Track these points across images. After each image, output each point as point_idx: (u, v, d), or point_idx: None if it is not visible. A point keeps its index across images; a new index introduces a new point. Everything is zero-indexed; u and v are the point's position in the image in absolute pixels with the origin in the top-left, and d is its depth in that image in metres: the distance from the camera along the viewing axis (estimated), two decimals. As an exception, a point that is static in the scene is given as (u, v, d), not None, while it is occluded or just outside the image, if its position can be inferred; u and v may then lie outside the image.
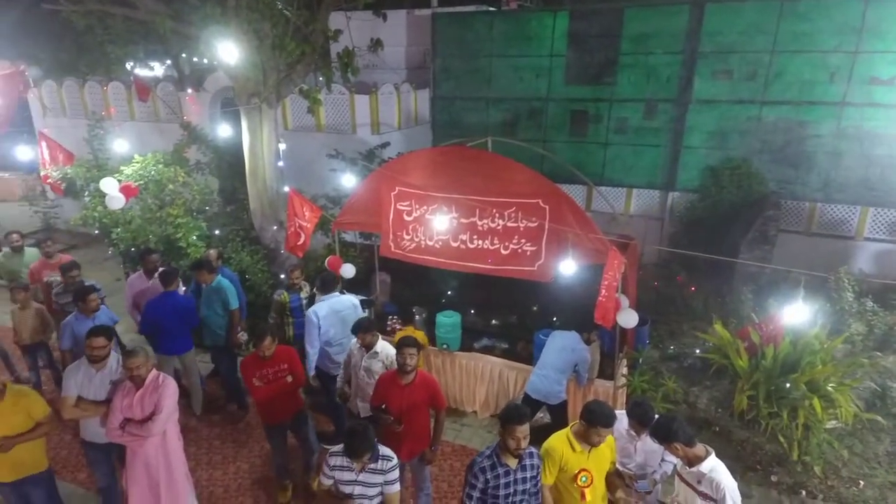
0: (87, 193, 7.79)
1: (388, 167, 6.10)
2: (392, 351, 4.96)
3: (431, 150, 6.11)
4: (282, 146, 7.85)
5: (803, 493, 5.19)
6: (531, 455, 3.38)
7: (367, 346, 4.75)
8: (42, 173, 8.90)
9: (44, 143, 8.66)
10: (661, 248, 8.55)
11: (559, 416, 5.31)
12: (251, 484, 5.36)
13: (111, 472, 4.61)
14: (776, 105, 8.94)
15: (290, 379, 4.67)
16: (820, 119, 8.73)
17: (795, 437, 5.44)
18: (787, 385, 5.63)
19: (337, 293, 5.60)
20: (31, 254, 6.98)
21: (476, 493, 3.27)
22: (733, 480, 3.29)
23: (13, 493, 4.18)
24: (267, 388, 4.60)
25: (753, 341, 6.06)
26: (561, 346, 5.35)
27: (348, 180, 7.02)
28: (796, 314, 4.99)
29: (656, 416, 3.68)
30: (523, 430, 3.17)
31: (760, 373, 5.80)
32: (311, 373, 5.30)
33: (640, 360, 5.92)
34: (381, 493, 3.47)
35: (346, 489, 3.42)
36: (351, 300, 5.65)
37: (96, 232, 7.89)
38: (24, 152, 9.58)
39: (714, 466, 3.28)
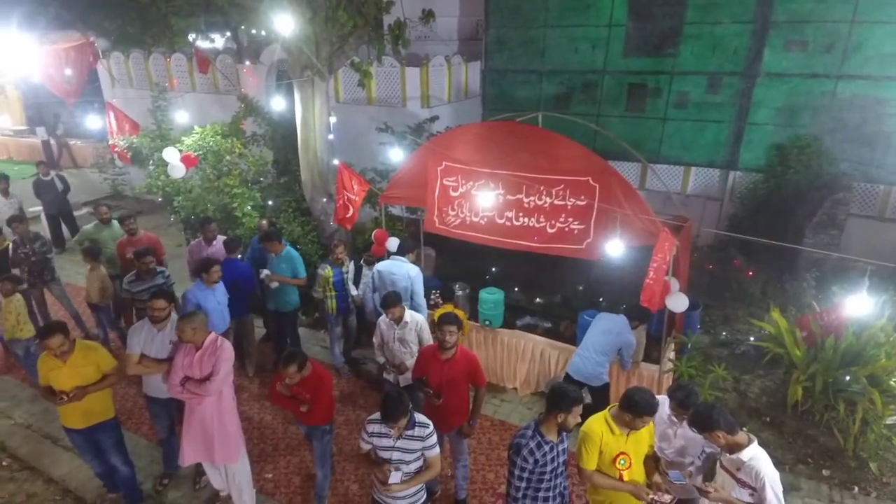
0: (151, 162, 8.17)
1: (435, 142, 6.07)
2: (420, 317, 5.05)
3: (479, 125, 6.02)
4: (332, 119, 7.92)
5: (856, 489, 4.98)
6: None
7: (397, 320, 4.83)
8: (110, 142, 9.36)
9: (111, 113, 9.10)
10: (719, 231, 8.19)
11: (601, 399, 5.26)
12: (298, 445, 5.62)
13: (170, 425, 4.94)
14: (853, 80, 8.29)
15: (304, 409, 4.27)
16: (902, 96, 8.05)
17: (852, 431, 5.20)
18: (847, 378, 5.36)
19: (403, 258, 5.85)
20: (118, 228, 7.18)
21: (526, 475, 3.31)
22: (775, 471, 3.18)
23: (84, 440, 4.54)
24: (282, 399, 4.37)
25: (813, 331, 5.77)
26: (606, 329, 5.26)
27: (396, 154, 7.06)
28: (861, 304, 4.70)
29: (698, 401, 3.58)
30: (580, 409, 3.26)
31: (819, 364, 5.54)
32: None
33: (689, 345, 5.76)
34: (421, 457, 3.56)
35: (385, 454, 3.53)
36: (407, 270, 5.78)
37: (159, 200, 8.30)
38: (93, 121, 10.06)
39: (755, 455, 3.18)
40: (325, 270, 6.18)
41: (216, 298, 5.61)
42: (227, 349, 4.29)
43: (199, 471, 4.97)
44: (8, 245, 6.88)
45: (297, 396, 4.25)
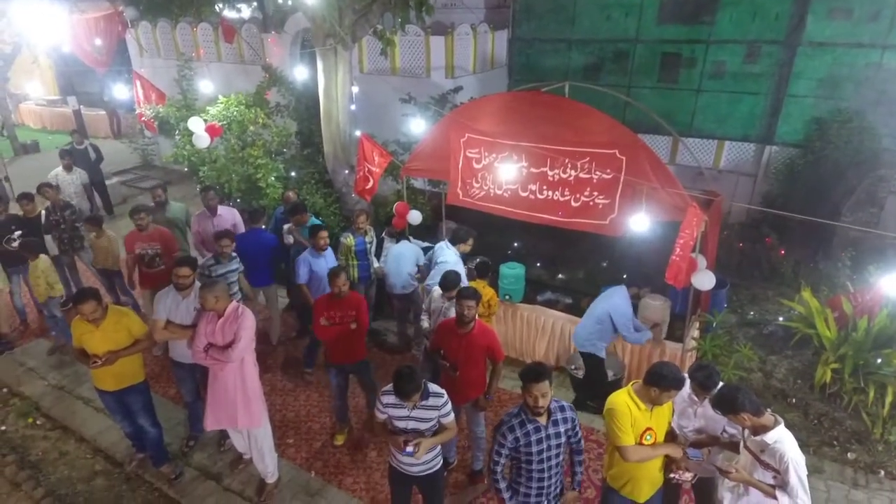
0: (177, 132, 8.22)
1: (458, 113, 5.96)
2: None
3: (504, 96, 5.86)
4: (355, 89, 7.84)
5: (881, 472, 4.86)
6: (562, 409, 3.35)
7: (449, 298, 4.80)
8: (137, 111, 9.44)
9: (138, 83, 9.14)
10: (752, 207, 7.92)
11: (593, 371, 5.33)
12: (319, 412, 5.73)
13: (195, 389, 5.08)
14: (902, 50, 7.82)
15: (353, 326, 4.76)
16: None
17: (881, 414, 5.08)
18: (879, 360, 5.20)
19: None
20: (177, 208, 6.93)
21: (504, 451, 3.29)
22: (801, 454, 3.10)
23: (115, 401, 4.71)
24: (331, 330, 4.78)
25: (845, 311, 5.60)
26: (602, 296, 5.29)
27: (417, 125, 6.95)
28: (898, 285, 4.52)
29: (721, 382, 3.50)
30: (540, 387, 3.14)
31: (849, 345, 5.38)
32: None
33: (714, 324, 5.63)
34: (437, 425, 3.59)
35: (400, 424, 3.56)
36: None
37: (185, 169, 8.38)
38: (121, 91, 10.13)
39: (780, 437, 3.10)
40: (347, 239, 6.19)
41: (328, 263, 5.72)
42: (249, 317, 4.35)
43: (223, 434, 5.11)
44: (41, 212, 7.07)
45: (342, 320, 4.73)
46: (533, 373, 3.16)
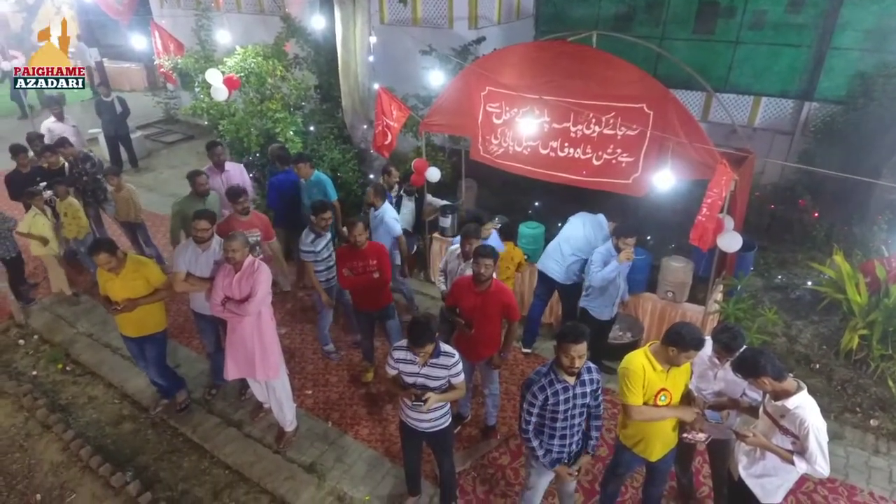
0: (196, 84, 8.14)
1: (478, 65, 5.73)
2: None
3: (526, 46, 5.57)
4: (373, 40, 7.58)
5: (905, 441, 4.77)
6: (589, 370, 3.34)
7: (465, 256, 4.71)
8: (156, 63, 9.33)
9: (156, 34, 8.98)
10: (787, 164, 7.56)
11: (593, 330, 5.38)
12: (336, 365, 5.82)
13: (216, 340, 5.20)
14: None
15: (376, 275, 4.87)
16: None
17: (909, 383, 4.93)
18: (910, 328, 5.02)
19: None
20: (215, 199, 6.10)
21: (535, 411, 3.29)
22: (822, 421, 3.02)
23: (137, 347, 4.89)
24: (354, 280, 4.87)
25: (878, 277, 5.39)
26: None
27: (436, 78, 6.73)
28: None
29: (744, 344, 3.41)
30: (578, 349, 3.09)
31: (880, 311, 5.20)
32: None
33: (739, 287, 5.48)
34: (447, 384, 3.60)
35: (410, 380, 3.58)
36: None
37: (205, 123, 8.33)
38: (140, 42, 9.96)
39: (801, 403, 3.01)
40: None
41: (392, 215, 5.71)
42: (265, 272, 4.38)
43: (244, 383, 5.24)
44: (64, 165, 7.15)
45: (365, 269, 4.82)
46: (572, 333, 3.11)
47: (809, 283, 6.41)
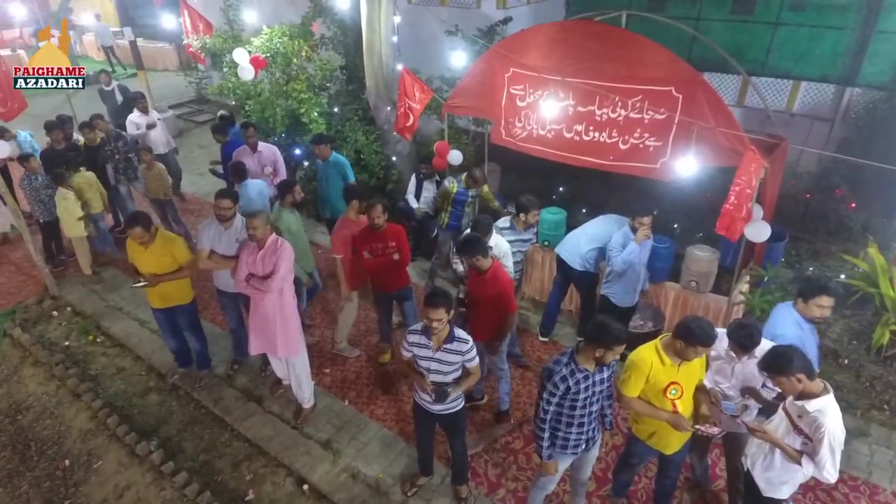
0: (223, 64, 8.20)
1: (502, 45, 5.61)
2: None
3: (553, 26, 5.42)
4: (397, 19, 7.50)
5: (935, 442, 4.59)
6: None
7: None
8: (185, 42, 9.37)
9: (185, 12, 9.03)
10: (823, 153, 7.26)
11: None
12: (355, 344, 5.88)
13: (238, 316, 5.33)
14: None
15: (396, 256, 4.90)
16: None
17: (942, 383, 4.73)
18: (946, 326, 4.81)
19: None
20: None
21: (555, 400, 3.27)
22: (842, 428, 2.91)
23: (165, 317, 5.09)
24: (374, 262, 4.91)
25: (914, 272, 5.16)
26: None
27: (459, 58, 6.63)
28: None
29: (759, 342, 3.31)
30: (619, 349, 3.12)
31: (915, 308, 5.00)
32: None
33: (766, 279, 5.32)
34: (460, 369, 3.62)
35: (423, 364, 3.60)
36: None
37: (233, 103, 8.41)
38: (170, 21, 9.89)
39: (822, 408, 2.90)
40: (450, 184, 6.05)
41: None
42: (287, 249, 4.44)
43: (265, 360, 5.35)
44: (100, 140, 7.33)
45: (384, 252, 4.86)
46: (613, 334, 3.07)
47: (843, 276, 6.19)
